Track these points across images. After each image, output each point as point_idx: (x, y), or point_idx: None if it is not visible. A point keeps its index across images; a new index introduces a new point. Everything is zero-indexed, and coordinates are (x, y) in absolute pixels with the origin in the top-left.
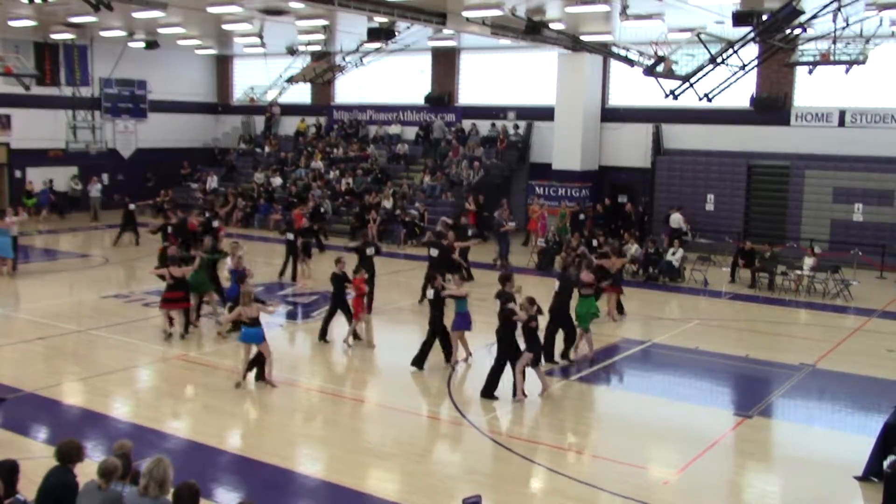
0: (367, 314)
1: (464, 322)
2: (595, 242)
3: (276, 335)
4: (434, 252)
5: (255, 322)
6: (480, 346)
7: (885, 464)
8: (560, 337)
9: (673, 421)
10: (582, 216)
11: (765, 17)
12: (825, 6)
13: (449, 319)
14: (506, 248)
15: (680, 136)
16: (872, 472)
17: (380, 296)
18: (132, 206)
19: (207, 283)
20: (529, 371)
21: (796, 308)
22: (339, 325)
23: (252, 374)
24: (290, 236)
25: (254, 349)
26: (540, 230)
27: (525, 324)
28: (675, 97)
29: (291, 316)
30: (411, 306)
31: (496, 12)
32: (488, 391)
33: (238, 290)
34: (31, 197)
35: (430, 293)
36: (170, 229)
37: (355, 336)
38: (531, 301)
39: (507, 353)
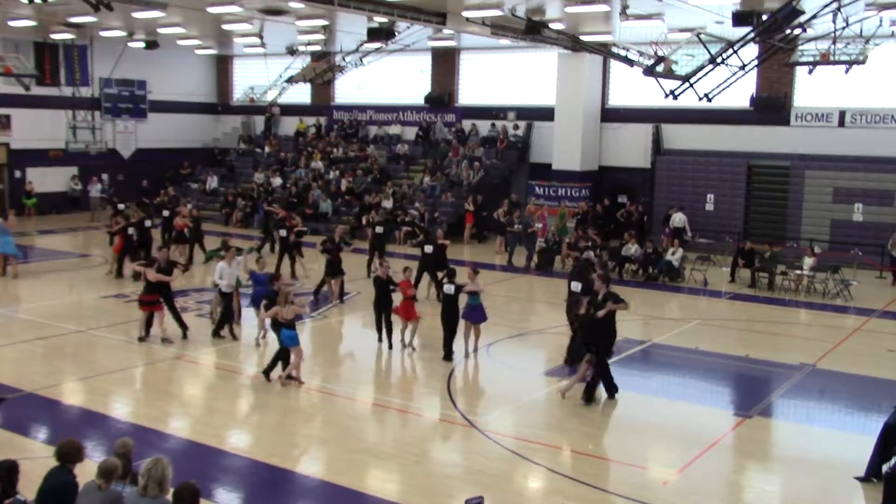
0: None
1: (477, 315)
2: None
3: (272, 335)
4: (429, 249)
5: (291, 324)
6: (481, 347)
7: (885, 468)
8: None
9: (673, 421)
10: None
11: (765, 17)
12: (825, 6)
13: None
14: (532, 250)
15: (680, 136)
16: (873, 472)
17: None
18: (121, 206)
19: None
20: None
21: (796, 308)
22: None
23: (258, 368)
24: (283, 233)
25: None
26: (540, 230)
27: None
28: (675, 97)
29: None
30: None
31: (496, 12)
32: (611, 391)
33: (261, 294)
34: (30, 197)
35: (451, 289)
36: (130, 230)
37: (408, 341)
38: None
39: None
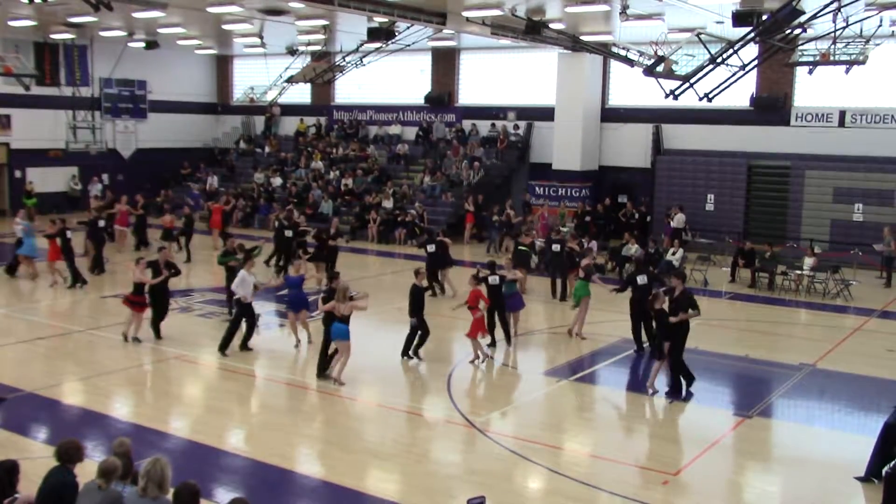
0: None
1: (516, 301)
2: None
3: (276, 336)
4: (431, 248)
5: (346, 319)
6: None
7: (886, 468)
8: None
9: (673, 421)
10: (587, 217)
11: (765, 17)
12: (825, 6)
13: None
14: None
15: (680, 136)
16: (873, 472)
17: (380, 295)
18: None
19: None
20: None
21: (796, 308)
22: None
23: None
24: (290, 234)
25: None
26: (540, 230)
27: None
28: (675, 97)
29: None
30: None
31: (496, 12)
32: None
33: (296, 298)
34: (30, 197)
35: (496, 280)
36: (69, 233)
37: (481, 355)
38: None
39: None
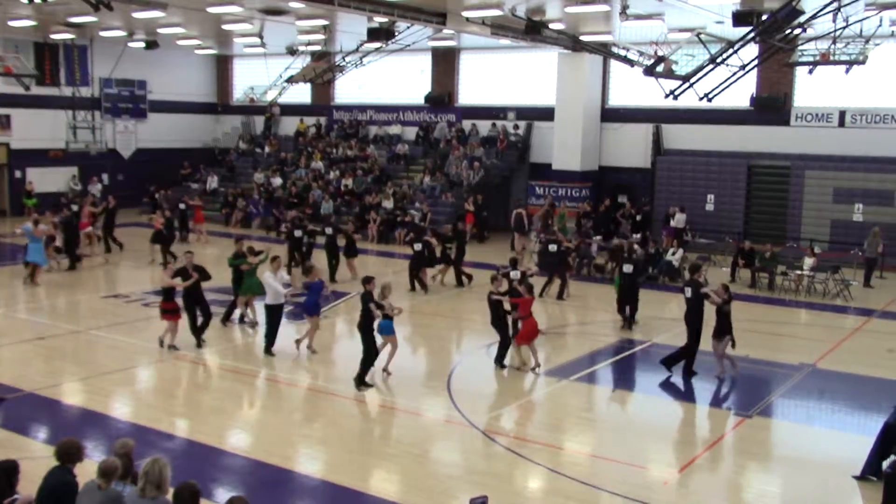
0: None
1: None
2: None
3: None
4: (418, 247)
5: (389, 315)
6: (481, 346)
7: (885, 464)
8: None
9: (673, 421)
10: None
11: (765, 17)
12: (825, 6)
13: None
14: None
15: (680, 136)
16: (871, 470)
17: None
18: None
19: (258, 286)
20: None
21: (796, 308)
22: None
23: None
24: (299, 233)
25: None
26: (538, 230)
27: (719, 308)
28: (675, 97)
29: (290, 316)
30: (411, 306)
31: (496, 12)
32: (690, 372)
33: (313, 303)
34: (30, 197)
35: (517, 274)
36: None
37: (524, 364)
38: (725, 287)
39: (697, 336)
